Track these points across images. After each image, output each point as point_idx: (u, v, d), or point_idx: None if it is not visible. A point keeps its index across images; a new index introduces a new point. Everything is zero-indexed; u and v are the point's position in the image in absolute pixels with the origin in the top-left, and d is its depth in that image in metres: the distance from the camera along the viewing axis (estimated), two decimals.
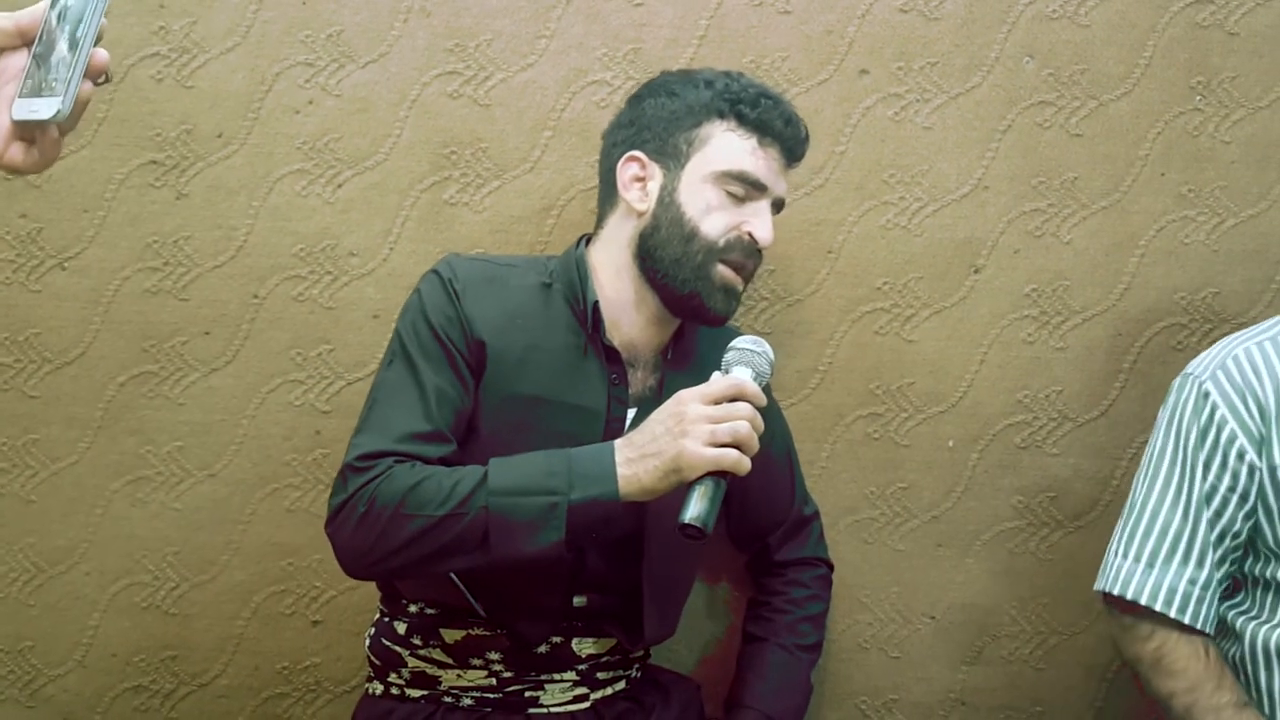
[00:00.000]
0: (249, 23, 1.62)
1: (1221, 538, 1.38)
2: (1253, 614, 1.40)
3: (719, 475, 1.19)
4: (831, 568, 1.63)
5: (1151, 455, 1.44)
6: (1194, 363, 1.44)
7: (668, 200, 1.36)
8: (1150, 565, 1.39)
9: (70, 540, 1.64)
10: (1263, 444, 1.35)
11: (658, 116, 1.39)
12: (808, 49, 1.67)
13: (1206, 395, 1.38)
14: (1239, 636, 1.40)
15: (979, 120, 1.68)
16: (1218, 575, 1.38)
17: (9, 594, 1.64)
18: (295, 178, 1.63)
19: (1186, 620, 1.37)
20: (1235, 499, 1.37)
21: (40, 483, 1.64)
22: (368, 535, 1.25)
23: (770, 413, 1.57)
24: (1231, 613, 1.42)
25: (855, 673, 1.71)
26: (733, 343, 1.29)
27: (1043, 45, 1.68)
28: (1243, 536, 1.39)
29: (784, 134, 1.38)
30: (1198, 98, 1.68)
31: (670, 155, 1.37)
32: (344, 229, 1.64)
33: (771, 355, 1.28)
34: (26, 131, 0.81)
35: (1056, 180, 1.68)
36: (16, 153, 0.81)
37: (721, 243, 1.35)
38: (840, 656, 1.71)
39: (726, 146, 1.36)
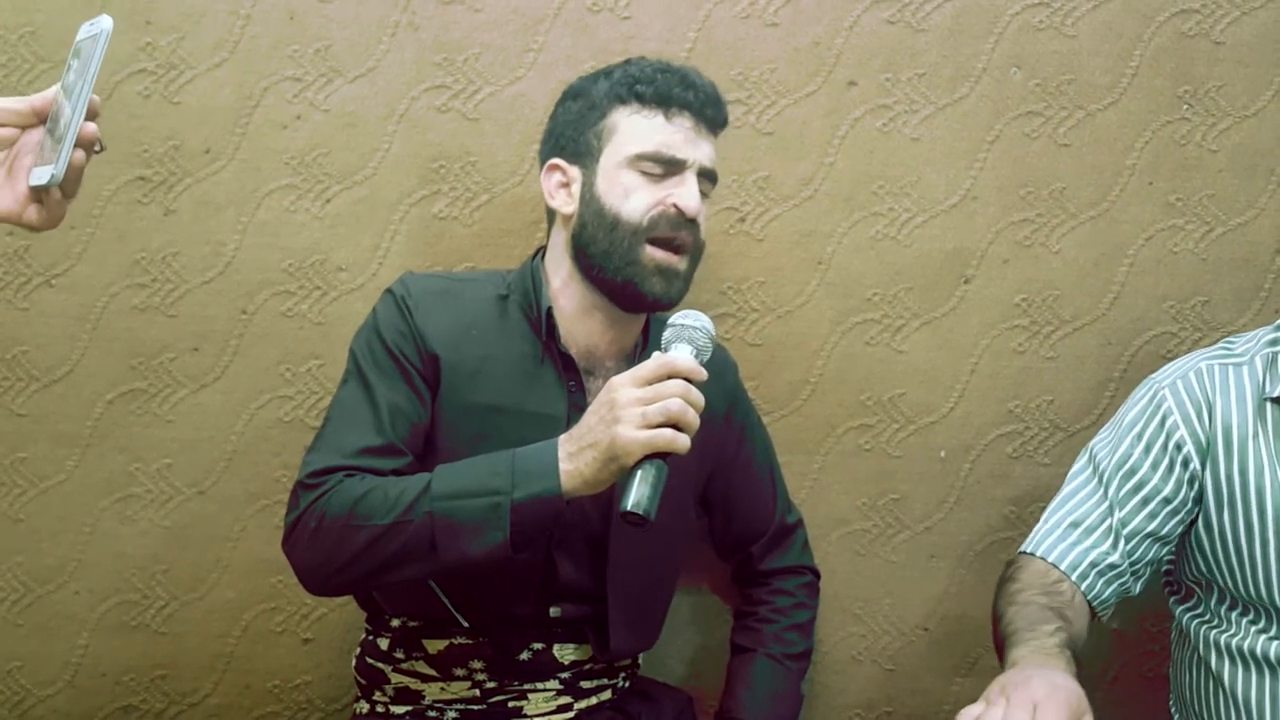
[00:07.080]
0: (236, 38, 1.62)
1: (1136, 533, 1.37)
2: (1213, 624, 1.39)
3: (659, 457, 1.16)
4: (818, 575, 1.62)
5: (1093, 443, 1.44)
6: (1160, 370, 1.44)
7: (588, 196, 1.36)
8: (1065, 535, 1.38)
9: (59, 559, 1.63)
10: (1207, 454, 1.35)
11: (568, 120, 1.40)
12: (795, 61, 1.67)
13: (1161, 401, 1.39)
14: (1191, 638, 1.41)
15: (967, 131, 1.68)
16: (1125, 562, 1.37)
17: None
18: (284, 193, 1.63)
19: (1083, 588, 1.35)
20: (1166, 510, 1.36)
21: (28, 501, 1.63)
22: (320, 549, 1.25)
23: (750, 421, 1.57)
24: (1187, 617, 1.42)
25: (849, 685, 1.70)
26: (669, 320, 1.26)
27: (1029, 56, 1.68)
28: (1159, 547, 1.38)
29: (688, 99, 1.36)
30: (1185, 107, 1.69)
31: (585, 154, 1.37)
32: (333, 244, 1.64)
33: (710, 328, 1.25)
34: (38, 195, 0.98)
35: (1045, 190, 1.69)
36: (32, 213, 0.98)
37: (645, 221, 1.33)
38: (833, 669, 1.70)
39: (633, 130, 1.35)
